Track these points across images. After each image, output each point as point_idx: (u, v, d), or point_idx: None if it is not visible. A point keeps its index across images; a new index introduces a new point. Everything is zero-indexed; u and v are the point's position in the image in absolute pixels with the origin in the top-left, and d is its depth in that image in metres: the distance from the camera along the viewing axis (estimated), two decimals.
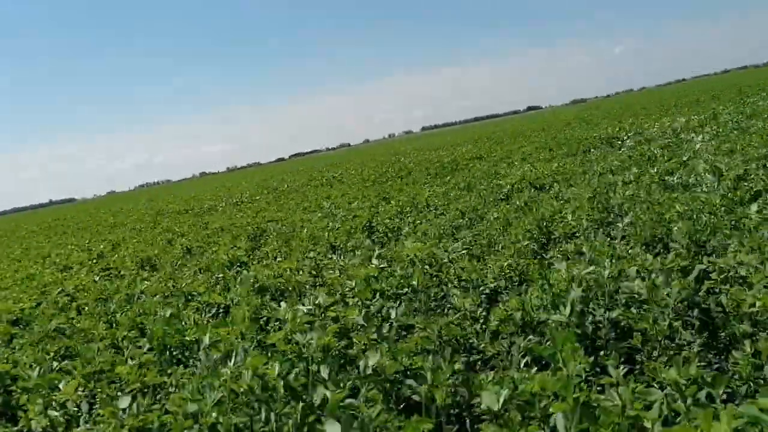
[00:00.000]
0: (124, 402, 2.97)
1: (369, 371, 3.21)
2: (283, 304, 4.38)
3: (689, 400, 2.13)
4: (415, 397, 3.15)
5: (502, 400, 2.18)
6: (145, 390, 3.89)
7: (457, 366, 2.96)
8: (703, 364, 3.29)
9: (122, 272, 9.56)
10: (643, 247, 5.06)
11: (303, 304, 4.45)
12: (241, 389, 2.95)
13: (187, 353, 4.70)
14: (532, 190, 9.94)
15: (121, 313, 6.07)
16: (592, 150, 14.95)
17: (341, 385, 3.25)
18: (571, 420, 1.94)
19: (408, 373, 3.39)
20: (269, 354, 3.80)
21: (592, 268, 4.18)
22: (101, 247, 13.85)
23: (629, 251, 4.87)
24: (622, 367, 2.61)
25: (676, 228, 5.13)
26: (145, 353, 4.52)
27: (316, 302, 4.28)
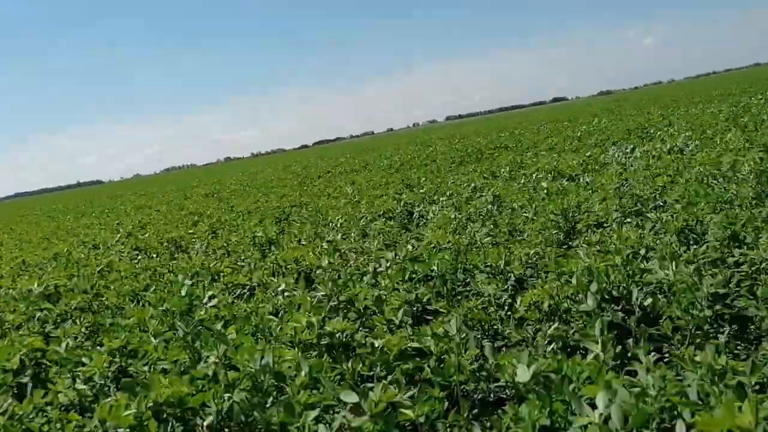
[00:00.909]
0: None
1: (377, 353, 3.20)
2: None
3: (721, 387, 2.11)
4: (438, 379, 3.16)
5: (531, 373, 2.19)
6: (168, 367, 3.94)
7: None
8: (732, 353, 3.26)
9: (150, 252, 9.69)
10: (674, 238, 5.00)
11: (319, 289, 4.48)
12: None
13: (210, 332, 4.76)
14: (559, 180, 9.86)
15: (151, 291, 6.17)
16: (620, 141, 14.77)
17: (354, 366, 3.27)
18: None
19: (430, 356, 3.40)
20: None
21: (618, 257, 4.15)
22: (129, 227, 14.04)
23: (658, 241, 4.83)
24: (652, 354, 2.59)
25: (707, 219, 5.07)
26: (170, 331, 4.60)
27: (337, 285, 4.29)
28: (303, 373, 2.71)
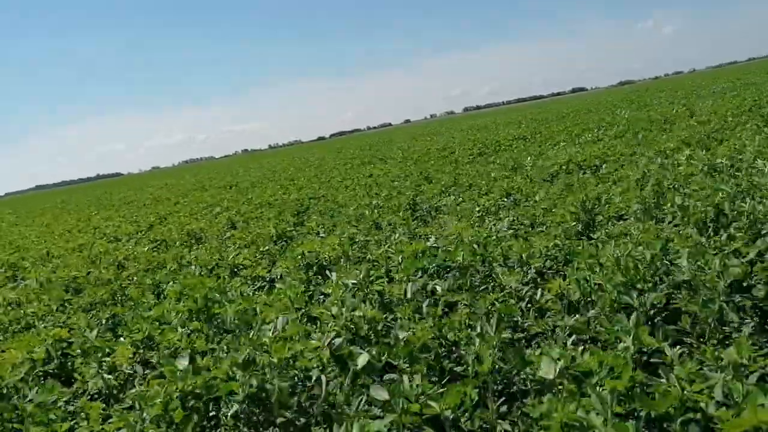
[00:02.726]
0: (183, 362, 3.06)
1: (402, 343, 3.22)
2: (333, 274, 4.43)
3: (747, 381, 2.10)
4: (458, 369, 3.17)
5: (557, 370, 2.19)
6: (195, 356, 3.99)
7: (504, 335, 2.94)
8: (755, 347, 3.23)
9: (169, 244, 9.78)
10: (695, 230, 4.95)
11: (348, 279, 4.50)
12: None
13: (233, 324, 4.80)
14: (580, 172, 9.79)
15: (169, 283, 6.23)
16: (641, 132, 14.61)
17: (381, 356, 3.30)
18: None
19: (453, 348, 3.41)
20: (317, 325, 3.87)
21: (639, 248, 4.12)
22: (150, 219, 14.18)
23: (679, 233, 4.79)
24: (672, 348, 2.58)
25: (729, 211, 5.01)
26: (193, 322, 4.65)
27: (360, 276, 4.31)
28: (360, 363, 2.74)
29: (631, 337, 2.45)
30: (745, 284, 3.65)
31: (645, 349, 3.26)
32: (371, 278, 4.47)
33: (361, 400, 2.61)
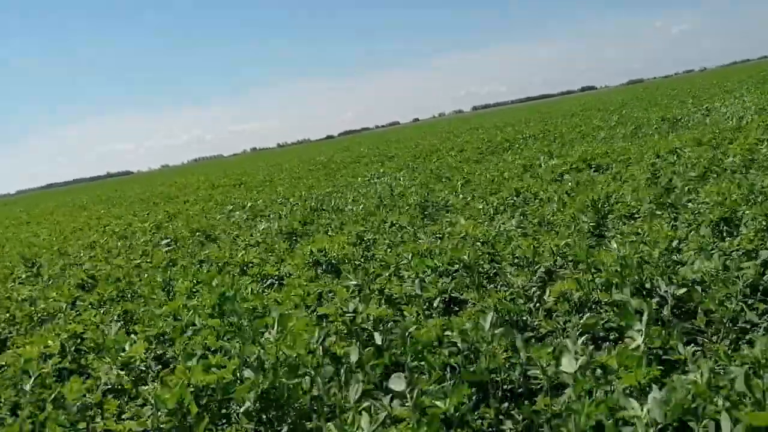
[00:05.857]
0: (195, 360, 3.09)
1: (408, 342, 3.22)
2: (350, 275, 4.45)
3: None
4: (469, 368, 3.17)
5: (578, 365, 2.19)
6: (207, 353, 4.01)
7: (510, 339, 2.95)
8: None
9: (180, 242, 9.81)
10: (708, 230, 4.94)
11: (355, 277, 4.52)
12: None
13: (242, 321, 4.83)
14: (590, 171, 9.76)
15: (179, 280, 6.26)
16: (652, 131, 14.55)
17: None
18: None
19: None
20: (324, 324, 3.88)
21: (655, 249, 4.12)
22: (159, 217, 14.24)
23: (692, 233, 4.78)
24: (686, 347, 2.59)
25: (742, 211, 4.99)
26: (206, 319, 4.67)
27: (368, 274, 4.33)
28: (353, 359, 2.76)
29: (642, 335, 2.45)
30: (760, 287, 3.65)
31: (660, 347, 3.27)
32: (372, 276, 4.49)
33: (358, 388, 2.60)
